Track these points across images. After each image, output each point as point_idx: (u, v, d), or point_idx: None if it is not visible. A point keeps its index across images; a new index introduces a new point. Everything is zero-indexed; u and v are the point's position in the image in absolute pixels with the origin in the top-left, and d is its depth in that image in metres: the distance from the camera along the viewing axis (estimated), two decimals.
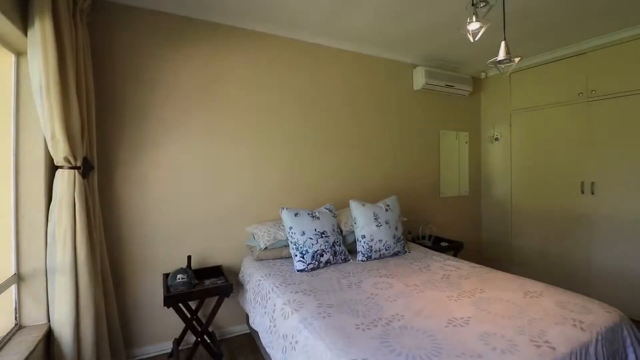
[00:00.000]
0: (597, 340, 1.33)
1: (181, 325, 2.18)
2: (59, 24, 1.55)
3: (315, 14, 2.41)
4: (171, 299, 1.88)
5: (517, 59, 1.58)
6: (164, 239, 2.27)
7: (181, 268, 2.10)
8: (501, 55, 1.58)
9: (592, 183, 2.97)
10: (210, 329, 2.30)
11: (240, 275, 2.38)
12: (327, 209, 2.44)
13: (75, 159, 1.66)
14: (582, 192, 3.05)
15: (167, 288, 1.99)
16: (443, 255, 2.46)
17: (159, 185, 2.25)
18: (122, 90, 2.14)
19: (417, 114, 3.47)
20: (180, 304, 2.01)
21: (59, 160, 1.63)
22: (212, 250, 2.43)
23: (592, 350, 1.29)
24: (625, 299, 2.75)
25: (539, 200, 3.41)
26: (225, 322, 2.49)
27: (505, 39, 1.62)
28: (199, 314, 2.30)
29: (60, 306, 1.59)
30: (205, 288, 2.01)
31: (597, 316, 1.46)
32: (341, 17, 2.45)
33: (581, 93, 3.03)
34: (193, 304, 2.26)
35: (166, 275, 2.14)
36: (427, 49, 3.12)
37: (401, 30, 2.69)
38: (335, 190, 2.95)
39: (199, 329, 2.09)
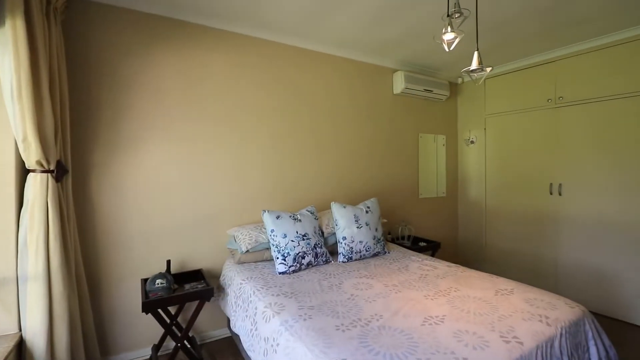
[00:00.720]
0: (561, 334, 1.42)
1: (160, 330, 2.15)
2: (31, 22, 1.50)
3: (297, 18, 2.44)
4: (150, 305, 1.85)
5: (488, 69, 1.65)
6: (142, 244, 2.23)
7: (160, 273, 2.07)
8: (474, 65, 1.65)
9: (560, 185, 3.14)
10: (190, 334, 2.28)
11: (221, 278, 2.37)
12: (308, 211, 2.46)
13: (48, 162, 1.61)
14: (551, 193, 3.22)
15: (145, 294, 1.96)
16: (421, 255, 2.54)
17: (136, 189, 2.20)
18: (97, 90, 2.08)
19: (397, 118, 3.56)
20: (160, 310, 1.98)
21: (30, 163, 1.58)
22: (192, 254, 2.41)
23: (556, 343, 1.38)
24: (590, 294, 2.93)
25: (511, 201, 3.57)
26: (206, 326, 2.47)
27: (477, 50, 1.69)
28: (179, 318, 2.27)
29: (33, 315, 1.54)
30: (186, 293, 1.99)
31: (562, 312, 1.55)
32: (322, 21, 2.49)
33: (550, 99, 3.19)
34: (173, 309, 2.23)
35: (144, 281, 2.10)
36: (406, 54, 3.20)
37: (381, 35, 2.76)
38: (316, 192, 2.98)
39: (179, 334, 2.06)
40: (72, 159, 1.92)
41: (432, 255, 3.24)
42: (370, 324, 1.43)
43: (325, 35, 2.74)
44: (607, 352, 1.61)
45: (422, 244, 3.29)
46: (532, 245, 3.38)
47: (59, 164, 1.70)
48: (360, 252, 2.42)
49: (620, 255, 2.77)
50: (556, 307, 1.58)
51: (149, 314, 1.86)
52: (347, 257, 2.38)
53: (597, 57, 2.86)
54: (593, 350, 1.56)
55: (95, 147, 2.08)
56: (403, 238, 3.34)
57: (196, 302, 2.07)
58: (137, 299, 2.18)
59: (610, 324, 2.71)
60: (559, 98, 3.12)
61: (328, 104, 3.05)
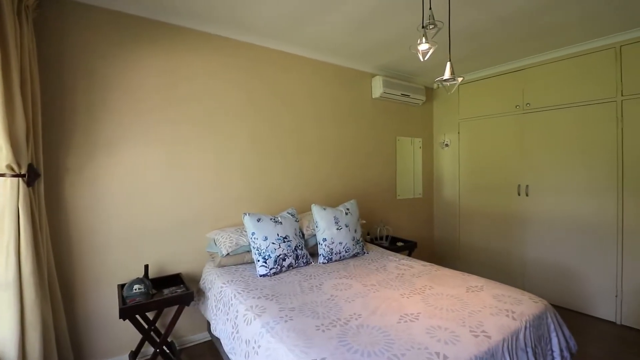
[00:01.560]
0: (525, 327, 1.53)
1: (138, 336, 2.12)
2: (1, 20, 1.45)
3: (277, 23, 2.47)
4: (127, 311, 1.82)
5: (459, 79, 1.75)
6: (119, 249, 2.19)
7: (138, 278, 2.04)
8: (446, 74, 1.74)
9: (527, 186, 3.33)
10: (169, 339, 2.25)
11: (201, 282, 2.36)
12: (289, 213, 2.49)
13: (19, 166, 1.56)
14: (519, 194, 3.40)
15: (122, 299, 1.92)
16: (398, 255, 2.63)
17: (113, 192, 2.16)
18: (72, 91, 2.03)
19: (376, 121, 3.65)
20: (137, 315, 1.95)
21: (0, 167, 1.52)
22: (171, 258, 2.38)
23: (521, 336, 1.49)
24: (555, 288, 3.13)
25: (482, 201, 3.75)
26: (186, 331, 2.45)
27: (450, 60, 1.79)
28: (158, 324, 2.24)
29: (3, 323, 1.49)
30: (165, 298, 1.97)
31: (526, 306, 1.66)
32: (303, 27, 2.53)
33: (518, 105, 3.38)
34: (151, 315, 2.19)
35: (121, 286, 2.06)
36: (384, 60, 3.29)
37: (361, 42, 2.83)
38: (298, 194, 3.01)
39: (157, 340, 2.04)
40: (44, 163, 1.86)
41: (409, 254, 3.35)
42: (349, 323, 1.48)
43: (306, 40, 2.78)
44: (567, 342, 1.75)
45: (400, 243, 3.40)
46: (502, 243, 3.56)
47: (30, 167, 1.65)
48: (340, 253, 2.47)
49: (581, 252, 2.98)
50: (521, 302, 1.69)
51: (127, 320, 1.83)
52: (327, 258, 2.43)
53: (561, 66, 3.06)
54: (555, 341, 1.68)
55: (70, 150, 2.02)
56: (382, 238, 3.43)
57: (175, 307, 2.06)
58: (114, 305, 2.13)
59: (573, 317, 2.91)
60: (527, 104, 3.31)
61: (309, 107, 3.10)
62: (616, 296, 2.77)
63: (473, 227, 3.86)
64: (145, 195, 2.26)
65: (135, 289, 1.95)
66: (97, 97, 2.10)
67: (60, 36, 1.99)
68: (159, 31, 2.31)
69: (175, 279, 2.29)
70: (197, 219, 2.48)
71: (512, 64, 3.38)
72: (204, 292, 2.25)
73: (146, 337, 1.99)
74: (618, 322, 2.77)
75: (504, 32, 2.65)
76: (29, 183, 1.63)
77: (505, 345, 1.39)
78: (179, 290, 2.12)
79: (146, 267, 2.17)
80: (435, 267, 2.29)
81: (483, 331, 1.41)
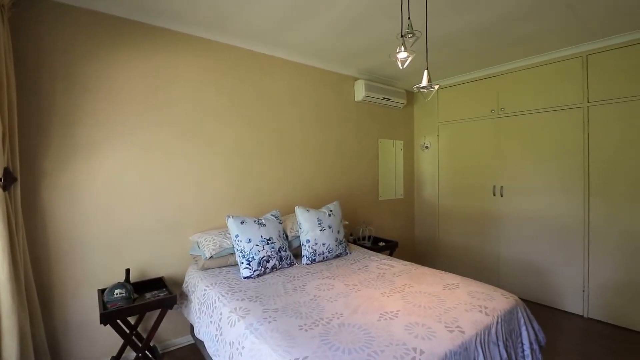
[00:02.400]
0: (497, 322, 1.62)
1: (119, 341, 2.09)
2: None
3: (262, 27, 2.49)
4: (108, 316, 1.81)
5: (436, 86, 1.83)
6: (99, 253, 2.15)
7: (119, 282, 2.02)
8: (424, 82, 1.82)
9: (502, 187, 3.49)
10: (151, 343, 2.23)
11: (184, 286, 2.35)
12: (273, 215, 2.52)
13: None
14: (494, 195, 3.55)
15: (103, 304, 1.90)
16: (380, 255, 2.70)
17: (92, 196, 2.12)
18: (50, 93, 1.98)
19: (358, 124, 3.72)
20: (119, 320, 1.93)
21: None
22: (153, 262, 2.36)
23: (493, 330, 1.57)
24: (527, 284, 3.29)
25: (460, 202, 3.89)
26: (168, 335, 2.44)
27: (427, 68, 1.87)
28: (139, 328, 2.22)
29: None
30: (147, 302, 1.96)
31: (498, 302, 1.76)
32: (289, 30, 2.56)
33: (493, 110, 3.53)
34: (132, 319, 2.17)
35: (102, 291, 2.04)
36: (366, 64, 3.37)
37: (344, 47, 2.89)
38: (281, 197, 3.04)
39: (139, 344, 2.03)
40: (21, 167, 1.81)
41: (391, 254, 3.43)
42: (331, 322, 1.53)
43: (291, 43, 2.82)
44: (536, 335, 1.86)
45: (382, 244, 3.48)
46: (479, 241, 3.71)
47: (6, 171, 1.61)
48: (323, 254, 2.52)
49: (552, 250, 3.14)
50: (494, 298, 1.79)
51: (108, 325, 1.82)
52: (310, 259, 2.47)
53: (532, 73, 3.22)
54: (525, 334, 1.79)
55: (47, 153, 1.98)
56: (364, 239, 3.51)
57: (158, 311, 2.05)
58: (94, 311, 2.10)
59: (544, 311, 3.07)
60: (501, 109, 3.46)
61: (293, 110, 3.13)
62: (583, 291, 2.94)
63: (452, 226, 4.00)
64: (126, 198, 2.24)
65: (116, 294, 1.93)
66: (76, 99, 2.06)
67: (38, 36, 1.95)
68: (142, 33, 2.29)
69: (157, 283, 2.28)
70: (180, 222, 2.47)
71: (488, 70, 3.53)
72: (187, 295, 2.25)
73: (128, 342, 1.97)
74: (585, 316, 2.94)
75: (479, 40, 2.77)
76: (5, 187, 1.60)
77: (478, 339, 1.47)
78: (161, 294, 2.11)
79: (127, 271, 2.14)
80: (415, 266, 2.37)
81: (458, 326, 1.49)
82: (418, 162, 4.41)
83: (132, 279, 2.23)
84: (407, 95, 4.05)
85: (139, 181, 2.29)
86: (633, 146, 2.66)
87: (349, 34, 2.61)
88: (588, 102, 2.89)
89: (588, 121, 2.89)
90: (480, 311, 1.65)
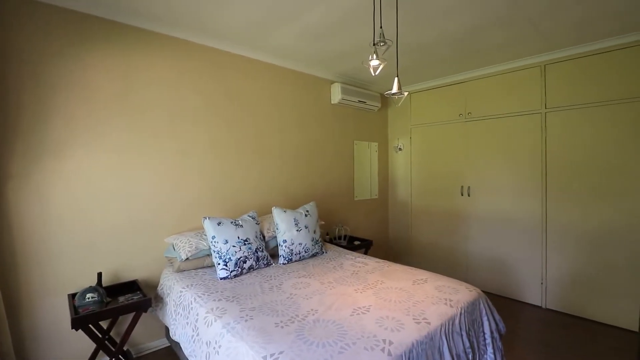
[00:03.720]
0: (460, 313, 1.74)
1: (91, 346, 2.05)
2: None
3: (242, 29, 2.50)
4: (80, 321, 1.78)
5: (405, 93, 1.94)
6: (70, 257, 2.10)
7: (90, 286, 1.98)
8: (394, 89, 1.92)
9: (469, 187, 3.69)
10: (125, 347, 2.20)
11: (159, 288, 2.33)
12: (250, 216, 2.55)
13: None
14: (462, 195, 3.75)
15: (74, 309, 1.86)
16: (355, 253, 2.79)
17: (62, 199, 2.07)
18: (17, 91, 1.91)
19: (334, 126, 3.81)
20: (91, 325, 1.90)
21: None
22: (126, 265, 2.33)
23: (457, 321, 1.69)
24: (492, 278, 3.50)
25: (431, 201, 4.07)
26: (143, 338, 2.41)
27: (397, 76, 1.97)
28: (113, 332, 2.19)
29: None
30: (120, 305, 1.94)
31: (462, 295, 1.89)
32: (267, 33, 2.59)
33: (461, 114, 3.72)
34: (106, 323, 2.13)
35: (73, 296, 1.99)
36: (342, 68, 3.46)
37: (320, 50, 2.96)
38: (259, 198, 3.07)
39: (113, 349, 2.00)
40: None
41: (365, 252, 3.54)
42: (306, 319, 1.59)
43: (268, 46, 2.85)
44: (497, 324, 2.00)
45: (357, 242, 3.58)
46: (448, 239, 3.90)
47: None
48: (299, 254, 2.58)
49: (514, 245, 3.37)
50: (458, 292, 1.92)
51: (79, 330, 1.78)
52: (287, 259, 2.52)
53: (496, 80, 3.43)
54: (486, 324, 1.93)
55: (14, 154, 1.91)
56: (340, 238, 3.59)
57: (132, 315, 2.02)
58: (64, 315, 2.05)
59: (506, 303, 3.28)
60: (468, 113, 3.66)
61: (270, 112, 3.16)
62: (541, 283, 3.18)
63: (423, 225, 4.18)
64: (98, 200, 2.19)
65: (88, 298, 1.90)
66: (46, 100, 2.00)
67: (5, 33, 1.87)
68: (116, 32, 2.24)
69: (131, 286, 2.25)
70: (155, 224, 2.45)
71: (456, 77, 3.72)
72: (162, 298, 2.24)
73: (100, 346, 1.94)
74: (543, 306, 3.18)
75: (449, 48, 2.93)
76: None
77: (443, 329, 1.58)
78: (135, 297, 2.09)
79: (99, 274, 2.10)
80: (388, 263, 2.48)
81: (424, 318, 1.60)
82: (392, 163, 4.57)
83: (105, 282, 2.19)
84: (381, 99, 4.19)
85: (111, 183, 2.25)
86: (585, 149, 2.91)
87: (325, 39, 2.68)
88: (546, 108, 3.12)
89: (545, 127, 3.12)
90: (446, 304, 1.76)
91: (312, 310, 1.69)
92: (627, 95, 2.69)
